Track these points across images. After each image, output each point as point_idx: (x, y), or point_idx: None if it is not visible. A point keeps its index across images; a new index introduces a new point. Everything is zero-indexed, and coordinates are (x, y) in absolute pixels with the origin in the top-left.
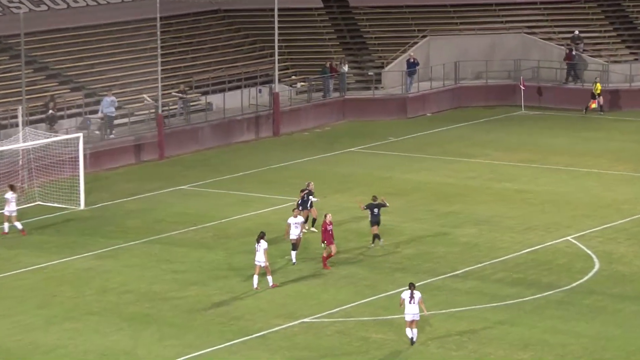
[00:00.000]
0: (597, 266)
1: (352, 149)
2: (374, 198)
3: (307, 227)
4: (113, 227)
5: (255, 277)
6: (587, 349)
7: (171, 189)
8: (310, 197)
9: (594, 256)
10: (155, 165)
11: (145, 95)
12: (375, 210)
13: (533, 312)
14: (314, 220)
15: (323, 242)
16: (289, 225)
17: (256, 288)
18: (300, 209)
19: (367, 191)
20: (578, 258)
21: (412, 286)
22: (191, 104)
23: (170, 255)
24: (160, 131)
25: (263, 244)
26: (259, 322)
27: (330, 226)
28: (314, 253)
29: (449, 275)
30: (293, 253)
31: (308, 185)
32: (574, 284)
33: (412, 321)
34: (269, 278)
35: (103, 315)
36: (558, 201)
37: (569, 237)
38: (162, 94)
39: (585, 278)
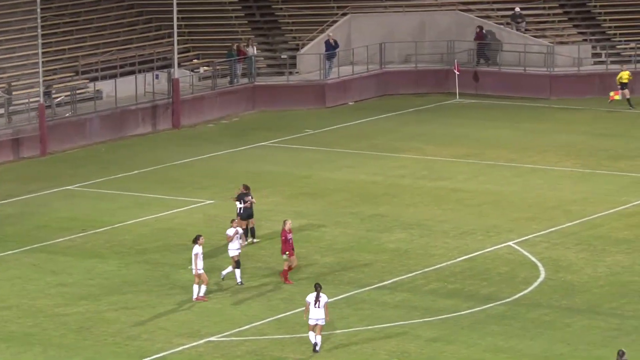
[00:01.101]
0: (542, 275)
1: (264, 143)
2: (246, 187)
3: (247, 241)
4: None
5: (195, 287)
6: None
7: (55, 190)
8: (237, 202)
9: (539, 264)
10: (36, 163)
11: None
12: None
13: (471, 327)
14: (251, 228)
15: (285, 254)
16: (229, 237)
17: (199, 298)
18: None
19: (282, 192)
20: (521, 266)
21: (318, 288)
22: (77, 91)
23: (55, 265)
24: (42, 123)
25: (197, 248)
26: (159, 342)
27: (290, 234)
28: (222, 262)
29: (375, 286)
30: (237, 272)
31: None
32: (517, 296)
33: (316, 325)
34: (196, 287)
35: None
36: (498, 202)
37: (510, 243)
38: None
39: (530, 289)
